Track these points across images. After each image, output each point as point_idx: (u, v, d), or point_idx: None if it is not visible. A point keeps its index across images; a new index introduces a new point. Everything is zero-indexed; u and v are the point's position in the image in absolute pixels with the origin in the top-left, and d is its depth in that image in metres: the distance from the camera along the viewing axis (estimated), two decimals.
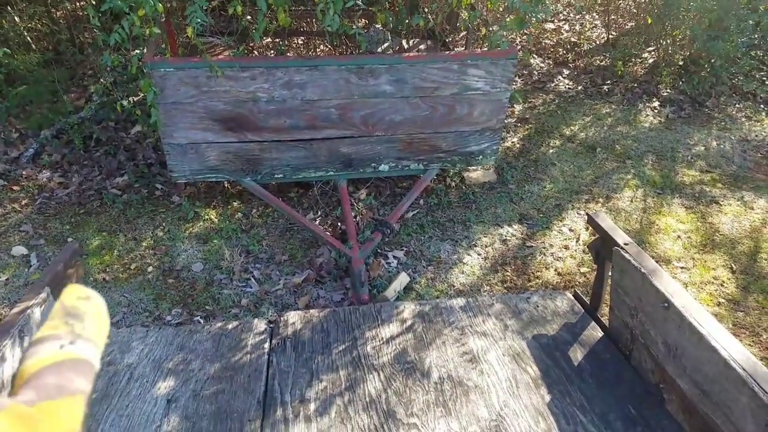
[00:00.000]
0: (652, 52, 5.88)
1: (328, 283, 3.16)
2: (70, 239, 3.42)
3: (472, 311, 2.47)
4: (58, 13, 5.86)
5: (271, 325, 2.43)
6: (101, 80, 5.01)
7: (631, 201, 3.88)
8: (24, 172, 4.03)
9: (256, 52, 4.70)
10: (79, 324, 0.74)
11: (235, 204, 3.78)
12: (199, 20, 2.84)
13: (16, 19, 5.24)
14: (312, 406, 1.97)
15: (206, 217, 3.65)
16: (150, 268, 3.24)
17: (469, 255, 3.39)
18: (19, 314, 1.78)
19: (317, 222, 3.62)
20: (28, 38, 5.37)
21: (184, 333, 2.35)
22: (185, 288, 3.12)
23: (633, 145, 4.50)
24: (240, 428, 1.88)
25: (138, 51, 3.45)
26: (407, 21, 3.67)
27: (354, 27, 3.43)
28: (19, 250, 3.34)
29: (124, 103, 3.86)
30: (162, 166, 4.01)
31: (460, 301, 2.55)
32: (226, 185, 3.89)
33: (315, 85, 3.24)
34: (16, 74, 4.86)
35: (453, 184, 3.99)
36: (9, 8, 5.27)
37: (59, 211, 3.70)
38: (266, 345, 2.29)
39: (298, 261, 3.33)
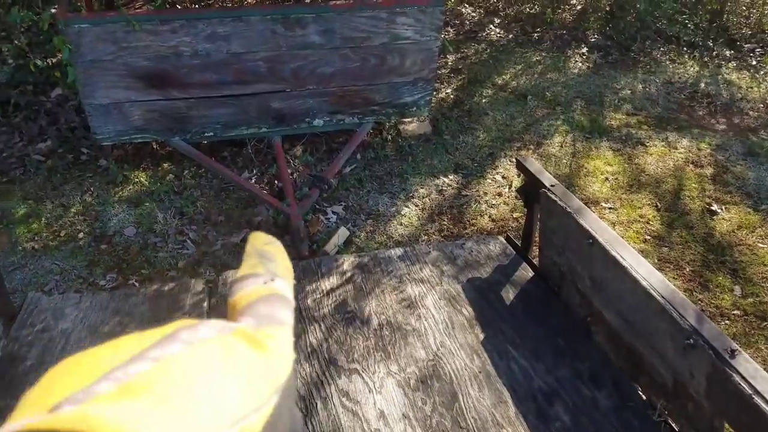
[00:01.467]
0: None
1: None
2: None
3: (409, 260, 2.53)
4: None
5: (210, 285, 2.42)
6: (15, 41, 4.65)
7: (561, 146, 4.02)
8: None
9: (178, 6, 4.47)
10: (272, 264, 0.83)
11: (165, 165, 3.66)
12: None
13: None
14: None
15: (136, 180, 3.54)
16: (81, 235, 3.14)
17: (406, 207, 3.44)
18: None
19: (253, 181, 3.57)
20: None
21: (119, 297, 2.31)
22: (119, 253, 3.04)
23: (562, 92, 4.62)
24: None
25: (50, 7, 3.22)
26: None
27: None
28: None
29: (39, 62, 3.61)
30: (86, 130, 3.81)
31: (398, 251, 2.60)
32: (155, 146, 3.76)
33: (240, 37, 3.13)
34: None
35: (389, 137, 4.00)
36: None
37: None
38: (205, 304, 2.28)
39: (235, 221, 3.30)
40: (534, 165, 2.44)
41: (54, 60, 4.33)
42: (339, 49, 3.33)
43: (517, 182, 3.62)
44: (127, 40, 2.99)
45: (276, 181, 3.53)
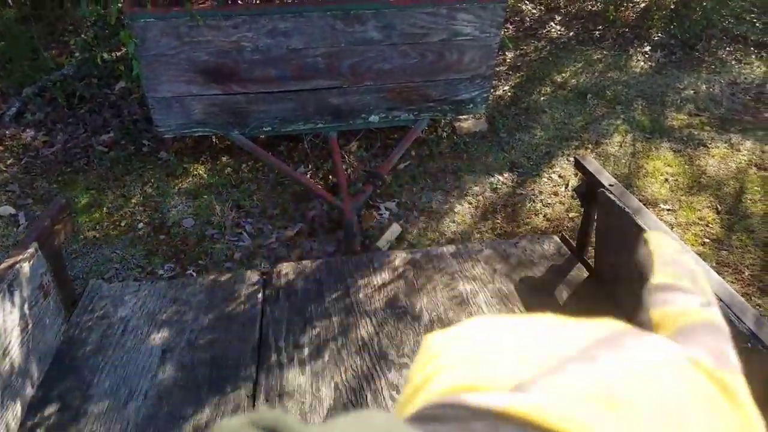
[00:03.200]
0: None
1: (320, 236, 3.18)
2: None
3: (461, 257, 2.51)
4: None
5: (264, 277, 2.46)
6: (82, 35, 4.86)
7: (620, 146, 3.88)
8: (7, 132, 3.96)
9: (239, 2, 4.56)
10: (700, 282, 0.64)
11: (224, 159, 3.74)
12: None
13: None
14: (306, 351, 2.02)
15: (195, 172, 3.63)
16: (140, 225, 3.24)
17: (460, 204, 3.40)
18: (7, 269, 1.78)
19: (308, 175, 3.61)
20: None
21: (176, 286, 2.37)
22: (177, 243, 3.12)
23: (623, 91, 4.46)
24: (236, 374, 1.92)
25: (117, 1, 3.33)
26: None
27: None
28: (7, 209, 3.32)
29: (105, 56, 3.75)
30: (148, 122, 3.94)
31: (450, 248, 2.58)
32: (214, 140, 3.85)
33: (300, 32, 3.16)
34: None
35: (444, 134, 3.96)
36: None
37: (45, 170, 3.66)
38: (260, 295, 2.31)
39: (290, 215, 3.33)
40: (593, 164, 2.36)
41: (119, 53, 4.50)
42: (397, 45, 3.31)
43: (573, 182, 3.52)
44: (190, 34, 3.06)
45: (330, 176, 3.55)
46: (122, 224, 3.25)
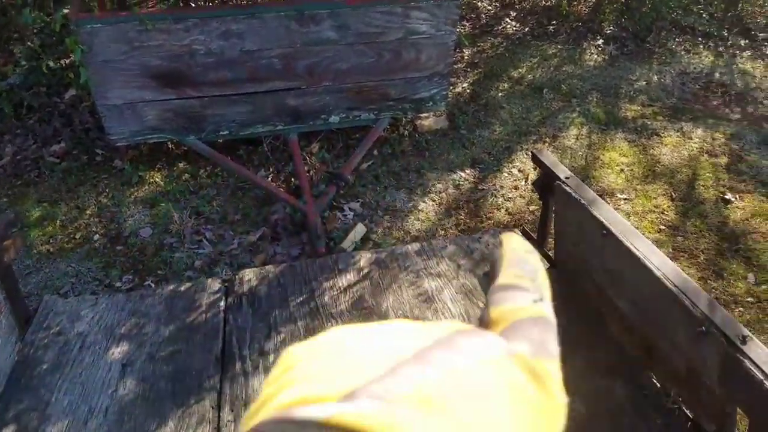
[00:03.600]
0: None
1: (284, 240, 3.14)
2: (8, 212, 3.26)
3: (426, 255, 2.52)
4: None
5: (226, 284, 2.41)
6: (27, 43, 4.68)
7: (577, 138, 3.96)
8: None
9: (193, 4, 4.46)
10: (538, 279, 0.71)
11: (181, 165, 3.66)
12: None
13: None
14: (271, 358, 1.99)
15: (151, 180, 3.53)
16: (96, 236, 3.14)
17: (423, 202, 3.41)
18: None
19: (269, 178, 3.55)
20: None
21: (135, 298, 2.31)
22: (135, 254, 3.04)
23: (578, 84, 4.55)
24: (198, 385, 1.88)
25: (62, 8, 3.22)
26: None
27: None
28: None
29: (51, 64, 3.62)
30: (100, 131, 3.81)
31: (414, 246, 2.59)
32: (170, 146, 3.76)
33: (254, 34, 3.11)
34: None
35: (406, 132, 3.97)
36: None
37: None
38: (222, 304, 2.27)
39: (252, 219, 3.28)
40: (549, 157, 2.40)
41: (67, 61, 4.34)
42: (354, 44, 3.29)
43: (533, 175, 3.57)
44: (140, 39, 2.97)
45: (292, 179, 3.51)
46: (77, 236, 3.14)
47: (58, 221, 3.23)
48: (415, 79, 3.53)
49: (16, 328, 2.04)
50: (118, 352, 2.03)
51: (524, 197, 3.44)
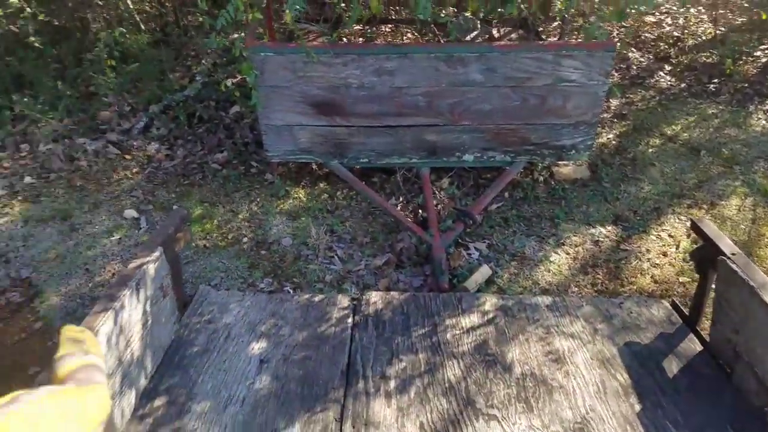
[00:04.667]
0: (766, 51, 5.43)
1: (408, 268, 3.21)
2: (175, 207, 3.68)
3: (559, 311, 2.41)
4: None
5: (355, 302, 2.51)
6: (203, 61, 5.30)
7: (739, 210, 3.62)
8: (135, 143, 4.35)
9: (345, 39, 4.78)
10: (84, 345, 1.20)
11: (321, 185, 3.89)
12: (297, 7, 2.92)
13: (128, 1, 5.62)
14: (392, 384, 2.03)
15: (296, 195, 3.80)
16: (245, 239, 3.43)
17: (556, 253, 3.30)
18: (136, 269, 1.95)
19: (399, 208, 3.67)
20: (138, 19, 5.76)
21: (275, 300, 2.48)
22: (276, 260, 3.27)
23: (742, 150, 4.19)
24: (325, 394, 1.97)
25: (238, 35, 3.59)
26: (500, 9, 3.59)
27: (443, 15, 3.42)
28: (131, 213, 3.63)
29: (228, 84, 4.04)
30: (257, 146, 4.20)
31: (546, 299, 2.49)
32: (314, 167, 4.02)
33: (404, 72, 3.27)
34: (128, 53, 5.23)
35: (541, 178, 3.90)
36: None
37: (166, 180, 3.98)
38: (349, 320, 2.36)
39: (380, 244, 3.39)
40: (712, 228, 2.22)
41: (234, 80, 4.84)
42: (499, 87, 3.34)
43: (686, 243, 3.32)
44: (304, 69, 3.26)
45: (420, 211, 3.59)
46: (229, 237, 3.45)
47: (215, 221, 3.58)
48: (559, 125, 3.49)
49: (176, 310, 2.29)
50: (257, 347, 2.19)
51: (674, 266, 3.19)
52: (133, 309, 1.88)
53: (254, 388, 2.00)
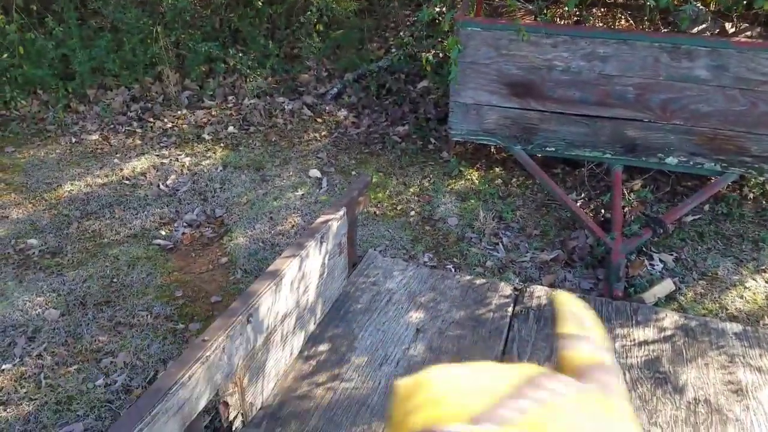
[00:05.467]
0: None
1: (578, 269, 3.04)
2: (354, 173, 3.90)
3: (748, 341, 2.17)
4: None
5: (517, 292, 2.47)
6: (401, 33, 5.46)
7: None
8: (327, 108, 4.68)
9: (557, 20, 4.58)
10: (596, 334, 0.90)
11: (496, 169, 3.83)
12: None
13: None
14: None
15: (468, 176, 3.79)
16: (412, 213, 3.52)
17: (754, 279, 2.89)
18: (322, 224, 2.13)
19: (579, 204, 3.47)
20: None
21: (436, 276, 2.53)
22: (439, 237, 3.32)
23: None
24: None
25: (448, 9, 3.56)
26: (744, 1, 3.15)
27: (684, 3, 3.10)
28: (315, 173, 3.93)
29: (430, 57, 4.10)
30: (439, 122, 4.25)
31: (735, 327, 2.26)
32: (491, 150, 3.96)
33: (618, 59, 3.04)
34: (335, 19, 5.56)
35: (751, 195, 3.41)
36: None
37: (349, 146, 4.24)
38: (509, 309, 2.33)
39: (550, 239, 3.26)
40: None
41: (428, 55, 4.92)
42: (726, 88, 2.96)
43: None
44: (508, 47, 3.18)
45: (603, 211, 3.36)
46: (398, 208, 3.58)
47: (387, 191, 3.73)
48: None
49: (347, 267, 2.45)
50: (415, 316, 2.27)
51: None
52: (315, 259, 2.05)
53: (409, 354, 2.07)
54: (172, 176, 3.89)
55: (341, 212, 2.23)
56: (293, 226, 3.43)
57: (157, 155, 4.11)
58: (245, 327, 1.65)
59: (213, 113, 4.67)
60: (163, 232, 3.38)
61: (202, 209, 3.61)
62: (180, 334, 2.65)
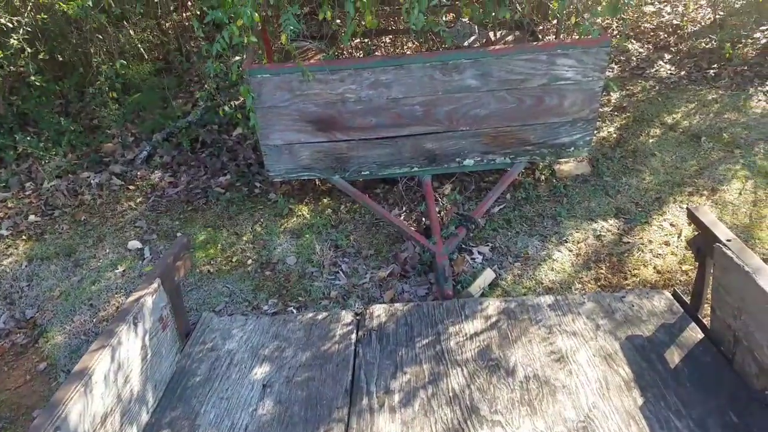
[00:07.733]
0: (766, 32, 5.36)
1: (412, 278, 3.22)
2: (179, 234, 3.73)
3: (561, 309, 2.42)
4: (166, 25, 6.34)
5: (358, 317, 2.53)
6: (206, 86, 5.38)
7: (740, 193, 3.58)
8: (139, 173, 4.43)
9: (346, 54, 4.82)
10: None
11: (325, 200, 3.93)
12: (292, 27, 2.97)
13: (131, 32, 5.73)
14: (396, 397, 2.04)
15: (299, 212, 3.84)
16: (249, 261, 3.47)
17: (559, 251, 3.30)
18: (134, 302, 1.99)
19: (402, 217, 3.68)
20: (141, 49, 5.87)
21: (278, 322, 2.51)
22: (280, 280, 3.30)
23: (742, 133, 4.14)
24: (328, 415, 1.98)
25: (237, 58, 3.64)
26: (493, 14, 3.61)
27: (439, 23, 3.44)
28: (134, 244, 3.69)
29: (227, 108, 4.11)
30: (260, 166, 4.25)
31: (548, 299, 2.50)
32: (317, 183, 4.06)
33: (400, 83, 3.30)
34: (131, 83, 5.33)
35: (543, 177, 3.89)
36: (125, 23, 5.79)
37: (169, 208, 4.05)
38: (353, 336, 2.38)
39: (384, 255, 3.41)
40: (707, 216, 2.21)
41: (236, 103, 4.91)
42: (495, 91, 3.35)
43: (688, 231, 3.30)
44: (300, 88, 3.30)
45: (423, 219, 3.61)
46: (234, 260, 3.50)
47: (219, 245, 3.63)
48: (556, 124, 3.49)
49: (177, 341, 2.32)
50: (260, 372, 2.22)
51: (676, 255, 3.18)
52: (131, 344, 1.91)
53: (257, 415, 2.01)
54: None
55: (155, 284, 2.12)
56: (118, 307, 3.18)
57: None
58: None
59: (9, 205, 4.19)
60: None
61: (9, 315, 3.21)
62: None
